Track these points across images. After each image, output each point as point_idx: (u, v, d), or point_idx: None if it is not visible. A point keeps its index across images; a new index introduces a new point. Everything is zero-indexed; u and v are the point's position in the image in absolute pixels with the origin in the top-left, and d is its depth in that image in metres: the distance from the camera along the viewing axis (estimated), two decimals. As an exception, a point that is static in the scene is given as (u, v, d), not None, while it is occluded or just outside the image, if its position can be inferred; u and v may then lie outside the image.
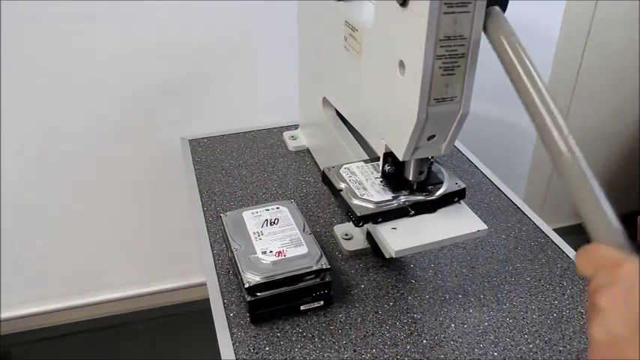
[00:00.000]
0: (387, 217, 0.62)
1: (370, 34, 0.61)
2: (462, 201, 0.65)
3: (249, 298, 0.61)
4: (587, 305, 0.38)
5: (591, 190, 0.39)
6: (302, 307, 0.64)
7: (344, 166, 0.68)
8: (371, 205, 0.62)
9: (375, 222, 0.62)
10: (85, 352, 1.33)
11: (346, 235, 0.76)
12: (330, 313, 0.65)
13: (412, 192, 0.63)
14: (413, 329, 0.64)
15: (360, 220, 0.61)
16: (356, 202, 0.62)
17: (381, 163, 0.63)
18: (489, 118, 1.30)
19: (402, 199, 0.62)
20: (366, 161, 0.69)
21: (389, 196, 0.63)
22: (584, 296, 0.69)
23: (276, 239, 0.65)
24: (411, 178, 0.63)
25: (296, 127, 1.04)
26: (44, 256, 1.26)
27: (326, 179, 0.67)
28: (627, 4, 1.35)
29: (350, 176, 0.66)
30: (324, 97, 0.83)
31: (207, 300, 0.68)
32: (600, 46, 1.39)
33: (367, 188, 0.64)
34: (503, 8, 0.50)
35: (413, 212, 0.63)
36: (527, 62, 0.45)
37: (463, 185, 0.64)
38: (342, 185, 0.65)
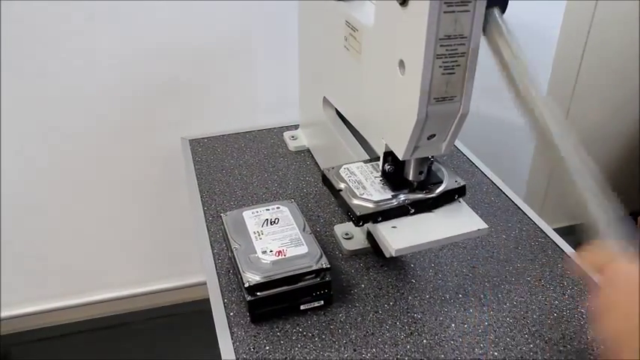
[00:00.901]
0: (387, 216, 0.62)
1: (370, 34, 0.61)
2: (462, 200, 0.65)
3: (249, 298, 0.61)
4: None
5: (592, 190, 0.42)
6: (302, 307, 0.64)
7: (343, 167, 0.68)
8: (370, 205, 0.62)
9: (375, 221, 0.62)
10: (85, 352, 1.33)
11: (346, 234, 0.76)
12: (330, 312, 0.65)
13: (412, 190, 0.63)
14: (413, 329, 0.64)
15: (359, 220, 0.61)
16: (355, 201, 0.62)
17: (381, 162, 0.63)
18: (490, 118, 1.30)
19: (402, 197, 0.62)
20: (365, 161, 0.69)
21: (388, 194, 0.63)
22: (584, 296, 0.69)
23: (276, 239, 0.65)
24: (411, 178, 0.63)
25: (296, 127, 1.04)
26: (44, 256, 1.26)
27: (326, 180, 0.67)
28: (627, 4, 1.35)
29: (349, 176, 0.66)
30: (325, 97, 0.83)
31: (207, 300, 0.68)
32: (600, 46, 1.39)
33: (367, 187, 0.64)
34: (503, 9, 0.50)
35: (413, 211, 0.63)
36: (524, 62, 0.45)
37: (463, 183, 0.64)
38: (342, 185, 0.65)
